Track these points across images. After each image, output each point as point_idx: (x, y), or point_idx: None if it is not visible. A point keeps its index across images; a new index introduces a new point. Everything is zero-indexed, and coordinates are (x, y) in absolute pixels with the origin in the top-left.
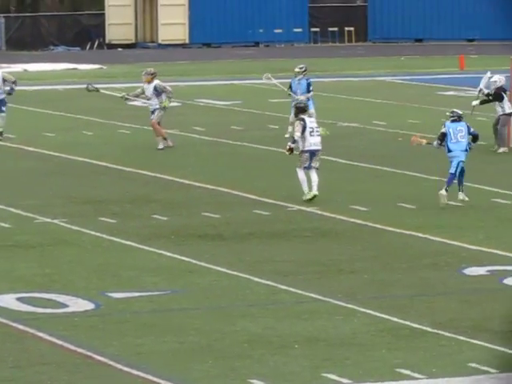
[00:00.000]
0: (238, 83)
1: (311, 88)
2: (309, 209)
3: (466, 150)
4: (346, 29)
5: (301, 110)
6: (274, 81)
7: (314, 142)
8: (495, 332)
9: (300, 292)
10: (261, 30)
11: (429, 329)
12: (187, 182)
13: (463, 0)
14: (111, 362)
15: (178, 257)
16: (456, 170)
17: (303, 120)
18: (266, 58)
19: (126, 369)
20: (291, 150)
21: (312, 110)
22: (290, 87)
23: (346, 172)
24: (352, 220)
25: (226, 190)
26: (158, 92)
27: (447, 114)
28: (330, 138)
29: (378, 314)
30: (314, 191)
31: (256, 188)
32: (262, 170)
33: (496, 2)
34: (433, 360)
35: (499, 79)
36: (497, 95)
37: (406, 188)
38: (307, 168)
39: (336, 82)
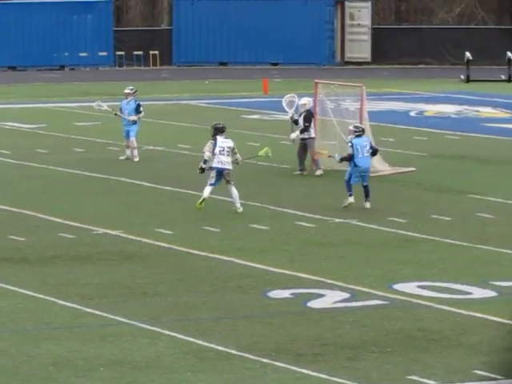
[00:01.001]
0: (43, 106)
1: (141, 109)
2: (114, 232)
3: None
4: (151, 52)
5: (219, 130)
6: (105, 107)
7: (222, 160)
8: (298, 354)
9: (105, 315)
10: (66, 54)
11: (234, 351)
12: None
13: (267, 24)
14: None
15: None
16: (355, 181)
17: (215, 140)
18: (72, 81)
19: None
20: (203, 169)
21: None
22: (120, 108)
23: (151, 195)
24: (157, 243)
25: (31, 212)
26: None
27: (350, 128)
28: (135, 161)
29: (183, 337)
30: (238, 207)
31: (61, 211)
32: (66, 194)
33: (302, 27)
34: (237, 383)
35: (308, 101)
36: (307, 119)
37: (210, 211)
38: (213, 184)
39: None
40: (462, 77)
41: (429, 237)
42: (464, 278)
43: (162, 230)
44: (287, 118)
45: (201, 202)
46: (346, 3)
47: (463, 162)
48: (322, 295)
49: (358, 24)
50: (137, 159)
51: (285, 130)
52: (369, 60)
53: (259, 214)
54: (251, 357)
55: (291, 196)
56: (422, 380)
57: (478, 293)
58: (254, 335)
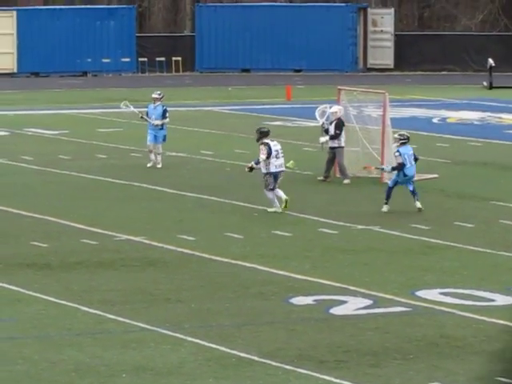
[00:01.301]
0: (65, 112)
1: (167, 114)
2: (136, 238)
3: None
4: (174, 59)
5: (265, 134)
6: (132, 108)
7: (278, 163)
8: (321, 361)
9: (127, 321)
10: (89, 60)
11: (256, 358)
12: (15, 210)
13: (289, 30)
14: None
15: (6, 286)
16: (393, 186)
17: (267, 144)
18: (94, 87)
19: None
20: (252, 169)
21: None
22: (147, 113)
23: (174, 201)
24: (179, 249)
25: (53, 219)
26: None
27: (395, 136)
28: (157, 167)
29: (205, 343)
30: (284, 198)
31: (83, 217)
32: (89, 200)
33: (319, 33)
34: None
35: (339, 110)
36: (338, 127)
37: (233, 217)
38: (273, 189)
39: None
40: (485, 83)
41: (451, 243)
42: (487, 285)
43: (185, 237)
44: (318, 125)
45: (285, 205)
46: (369, 10)
47: (486, 168)
48: (344, 302)
49: (381, 30)
50: (160, 165)
51: (307, 136)
52: (391, 66)
53: (282, 221)
54: (273, 363)
55: (314, 202)
56: None
57: (501, 300)
58: (276, 342)
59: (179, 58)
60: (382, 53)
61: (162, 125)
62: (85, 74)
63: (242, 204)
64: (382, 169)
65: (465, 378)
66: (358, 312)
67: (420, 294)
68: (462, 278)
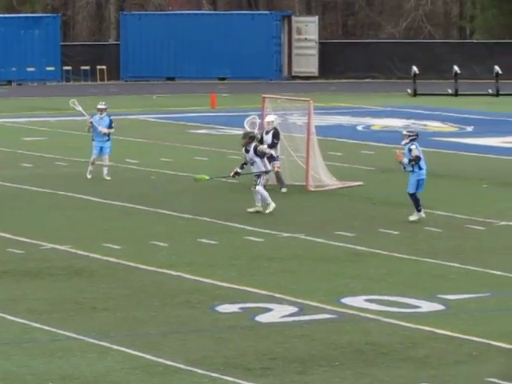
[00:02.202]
0: None
1: (113, 124)
2: (62, 247)
3: None
4: (98, 67)
5: (254, 138)
6: (80, 108)
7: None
8: (247, 369)
9: (54, 330)
10: (13, 69)
11: (182, 366)
12: None
13: (214, 39)
14: None
15: None
16: (422, 188)
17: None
18: (19, 96)
19: None
20: (237, 173)
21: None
22: (91, 123)
23: (99, 210)
24: (105, 258)
25: None
26: None
27: (404, 133)
28: (82, 175)
29: (132, 352)
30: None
31: (9, 226)
32: (15, 209)
33: (246, 41)
34: None
35: (275, 119)
36: (276, 136)
37: (159, 226)
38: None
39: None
40: (409, 91)
41: (377, 251)
42: (412, 292)
43: (111, 245)
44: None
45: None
46: (293, 18)
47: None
48: (270, 309)
49: (305, 38)
50: (109, 178)
51: (232, 144)
52: (316, 74)
53: (208, 229)
54: (200, 371)
55: (240, 211)
56: None
57: (426, 306)
58: (202, 350)
59: (104, 67)
60: (307, 61)
61: (109, 136)
62: (9, 82)
63: (167, 212)
64: (401, 162)
65: None
66: (284, 319)
67: (346, 301)
68: (387, 285)
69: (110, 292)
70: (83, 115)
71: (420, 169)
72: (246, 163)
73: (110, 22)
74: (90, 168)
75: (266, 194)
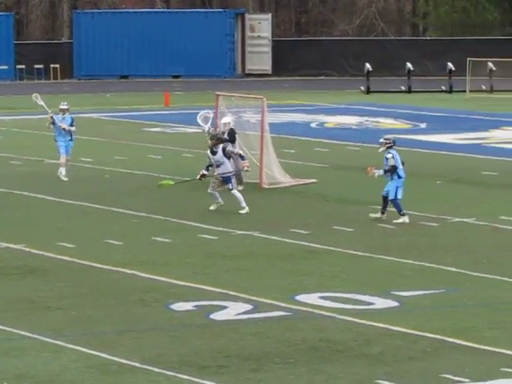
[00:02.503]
0: None
1: (74, 123)
2: (16, 246)
3: None
4: (52, 66)
5: (221, 139)
6: (42, 102)
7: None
8: (202, 366)
9: (8, 329)
10: None
11: (137, 364)
12: None
13: (168, 37)
14: None
15: None
16: (401, 194)
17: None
18: None
19: None
20: (204, 176)
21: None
22: (52, 118)
23: (53, 209)
24: (59, 257)
25: None
26: None
27: (381, 141)
28: (37, 174)
29: (87, 350)
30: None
31: None
32: None
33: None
34: None
35: (232, 120)
36: (231, 137)
37: (113, 224)
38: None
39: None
40: (363, 88)
41: (331, 248)
42: (366, 289)
43: (65, 244)
44: (199, 131)
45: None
46: (247, 15)
47: (364, 173)
48: (224, 307)
49: (259, 36)
50: (66, 179)
51: (186, 142)
52: (269, 72)
53: (162, 227)
54: (155, 369)
55: (194, 209)
56: None
57: (380, 303)
58: (157, 348)
59: (57, 66)
60: (260, 58)
61: (71, 135)
62: None
63: (121, 211)
64: (375, 173)
65: (345, 382)
66: (238, 317)
67: (300, 298)
68: (341, 282)
69: (65, 291)
70: (45, 111)
71: (399, 177)
72: (211, 165)
73: (63, 21)
74: (61, 170)
75: (241, 196)
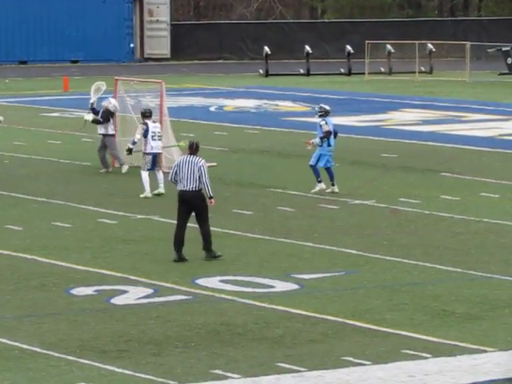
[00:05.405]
0: None
1: None
2: None
3: None
4: None
5: (144, 115)
6: None
7: (155, 145)
8: (103, 351)
9: None
10: None
11: (38, 349)
12: None
13: (66, 22)
14: None
15: None
16: (324, 163)
17: (146, 124)
18: None
19: None
20: (130, 150)
21: None
22: None
23: None
24: None
25: None
26: None
27: (316, 109)
28: None
29: None
30: (161, 189)
31: None
32: None
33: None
34: (42, 380)
35: (114, 105)
36: (106, 116)
37: (13, 210)
38: (151, 169)
39: None
40: (261, 71)
41: (231, 231)
42: (266, 272)
43: None
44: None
45: (158, 194)
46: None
47: (263, 156)
48: (125, 291)
49: (157, 20)
50: None
51: (85, 128)
52: (168, 56)
53: (62, 212)
54: (56, 354)
55: (94, 193)
56: (225, 374)
57: (281, 286)
58: (58, 333)
59: None
60: (159, 42)
61: None
62: None
63: (21, 196)
64: (313, 143)
65: (246, 365)
66: (139, 301)
67: (200, 282)
68: (242, 266)
69: None
70: None
71: (329, 145)
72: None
73: None
74: None
75: (144, 179)
